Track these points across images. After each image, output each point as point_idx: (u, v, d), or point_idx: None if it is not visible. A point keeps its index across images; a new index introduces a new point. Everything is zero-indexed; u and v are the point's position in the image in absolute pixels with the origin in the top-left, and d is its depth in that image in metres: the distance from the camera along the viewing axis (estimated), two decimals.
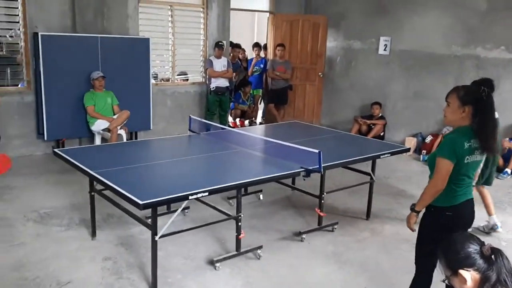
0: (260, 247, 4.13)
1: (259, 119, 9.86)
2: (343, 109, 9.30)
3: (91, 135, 6.85)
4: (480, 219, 4.73)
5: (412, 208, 2.94)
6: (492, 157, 4.49)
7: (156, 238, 3.39)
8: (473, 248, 1.72)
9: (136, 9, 7.36)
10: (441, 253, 1.81)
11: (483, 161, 4.49)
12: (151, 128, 7.57)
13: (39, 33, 6.34)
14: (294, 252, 4.24)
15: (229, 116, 9.04)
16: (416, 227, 3.00)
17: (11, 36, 6.54)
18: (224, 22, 8.36)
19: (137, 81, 7.29)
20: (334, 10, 9.22)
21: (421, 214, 2.97)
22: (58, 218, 4.73)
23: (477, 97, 2.72)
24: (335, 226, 4.72)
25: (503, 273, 1.66)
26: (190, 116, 5.40)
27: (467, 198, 2.89)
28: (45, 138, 6.66)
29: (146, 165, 4.10)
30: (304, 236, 4.47)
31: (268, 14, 9.47)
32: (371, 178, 4.98)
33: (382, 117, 8.37)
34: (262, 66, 9.46)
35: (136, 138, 7.35)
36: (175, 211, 3.67)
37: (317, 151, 3.85)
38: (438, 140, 7.34)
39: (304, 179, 4.03)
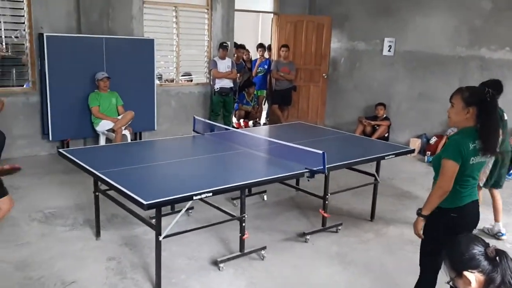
0: (264, 248, 4.13)
1: (263, 120, 9.87)
2: (347, 110, 9.29)
3: (95, 136, 6.88)
4: (486, 220, 4.73)
5: (419, 213, 2.88)
6: (501, 159, 4.48)
7: (160, 238, 3.40)
8: (477, 249, 1.71)
9: (141, 10, 7.39)
10: (445, 255, 1.81)
11: (491, 162, 4.49)
12: (155, 128, 7.59)
13: (44, 34, 6.37)
14: (298, 253, 4.24)
15: (233, 116, 9.05)
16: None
17: (16, 37, 6.57)
18: (229, 23, 8.37)
19: (142, 82, 7.31)
20: (338, 11, 9.21)
21: None
22: (62, 218, 4.75)
23: (482, 98, 2.72)
24: (339, 227, 4.72)
25: (508, 275, 1.65)
26: (194, 117, 5.41)
27: (472, 199, 2.88)
28: (50, 139, 6.69)
29: (150, 166, 4.11)
30: (308, 237, 4.47)
31: (272, 15, 9.48)
32: (376, 179, 4.97)
33: (386, 118, 8.35)
34: (266, 67, 9.46)
35: (140, 138, 7.37)
36: (179, 211, 3.67)
37: (321, 152, 3.85)
38: (443, 141, 7.32)
39: (308, 180, 4.02)
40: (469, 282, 1.68)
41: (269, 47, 9.74)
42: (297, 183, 5.54)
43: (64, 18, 6.74)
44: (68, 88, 6.63)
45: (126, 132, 6.71)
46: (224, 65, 8.07)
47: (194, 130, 5.36)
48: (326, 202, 4.58)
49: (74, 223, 4.67)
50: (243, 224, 3.96)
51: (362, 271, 3.96)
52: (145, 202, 3.05)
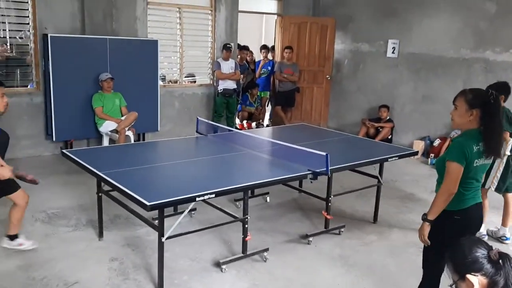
0: (266, 250, 4.13)
1: (266, 121, 9.86)
2: (350, 112, 9.28)
3: (99, 136, 6.89)
4: (489, 222, 4.71)
5: (424, 218, 2.85)
6: None
7: (163, 239, 3.40)
8: (480, 252, 1.70)
9: (145, 11, 7.40)
10: (448, 258, 1.80)
11: (502, 166, 4.46)
12: (159, 129, 7.60)
13: (49, 35, 6.39)
14: (300, 255, 4.23)
15: (236, 118, 9.05)
16: None
17: (21, 38, 6.60)
18: (232, 24, 8.38)
19: (145, 83, 7.33)
20: (342, 13, 9.21)
21: None
22: (65, 219, 4.76)
23: (485, 100, 2.71)
24: (342, 229, 4.71)
25: (511, 277, 1.64)
26: (197, 118, 5.42)
27: (476, 202, 2.87)
28: (54, 139, 6.71)
29: (154, 167, 4.12)
30: (310, 238, 4.46)
31: (276, 16, 9.48)
32: (379, 181, 4.96)
33: (390, 120, 8.34)
34: (269, 68, 9.46)
35: (143, 139, 7.38)
36: (182, 212, 3.68)
37: (324, 153, 3.84)
38: (446, 143, 7.30)
39: (311, 182, 4.01)
40: (472, 285, 1.68)
41: (272, 48, 9.74)
42: (300, 184, 5.53)
43: (68, 19, 6.77)
44: (72, 89, 6.64)
45: (130, 133, 6.72)
46: (228, 66, 8.08)
47: (197, 131, 5.36)
48: (329, 204, 4.57)
49: (77, 223, 4.68)
50: (246, 226, 3.96)
51: (365, 273, 3.95)
52: (148, 203, 3.06)
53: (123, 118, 6.69)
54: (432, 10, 7.78)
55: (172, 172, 4.03)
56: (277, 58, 9.37)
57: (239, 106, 8.99)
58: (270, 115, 9.89)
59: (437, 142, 7.61)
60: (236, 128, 8.40)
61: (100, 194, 4.23)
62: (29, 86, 6.84)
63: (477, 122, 2.73)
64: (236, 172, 4.17)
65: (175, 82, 8.25)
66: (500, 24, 7.02)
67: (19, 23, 6.58)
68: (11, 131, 6.17)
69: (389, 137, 8.24)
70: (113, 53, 6.88)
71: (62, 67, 6.51)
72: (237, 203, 5.22)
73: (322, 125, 9.18)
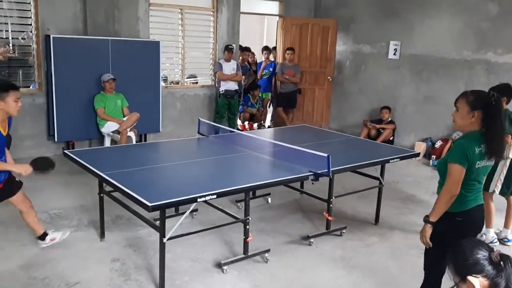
0: (268, 251, 4.13)
1: (268, 122, 9.87)
2: (352, 113, 9.28)
3: (101, 137, 6.90)
4: (493, 225, 4.70)
5: (426, 220, 2.85)
6: None
7: (164, 240, 3.40)
8: (482, 254, 1.70)
9: (147, 12, 7.41)
10: (449, 259, 1.80)
11: (505, 169, 4.45)
12: (160, 130, 7.61)
13: (51, 36, 6.41)
14: (302, 256, 4.23)
15: (238, 119, 9.06)
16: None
17: (23, 38, 6.62)
18: (234, 25, 8.39)
19: (147, 84, 7.34)
20: (344, 14, 9.21)
21: None
22: (67, 219, 4.77)
23: (487, 102, 2.71)
24: (344, 231, 4.70)
25: None
26: (199, 119, 5.42)
27: (477, 203, 2.87)
28: (56, 140, 6.72)
29: (155, 167, 4.12)
30: (312, 240, 4.46)
31: (277, 17, 9.49)
32: (380, 183, 4.95)
33: (391, 122, 8.33)
34: (271, 69, 9.47)
35: (145, 140, 7.39)
36: (183, 213, 3.68)
37: (326, 155, 3.84)
38: (448, 145, 7.29)
39: (312, 183, 4.01)
40: (473, 287, 1.68)
41: (274, 48, 9.75)
42: (302, 186, 5.54)
43: (70, 20, 6.78)
44: (74, 90, 6.66)
45: (131, 134, 6.73)
46: (230, 67, 8.09)
47: (199, 132, 5.36)
48: (331, 205, 4.57)
49: (79, 224, 4.69)
50: (247, 227, 3.96)
51: (366, 275, 3.95)
52: (149, 204, 3.06)
53: (125, 119, 6.70)
54: (433, 11, 7.78)
55: (173, 173, 4.03)
56: (279, 59, 9.38)
57: (240, 107, 9.00)
58: (272, 116, 9.90)
59: (438, 144, 7.60)
60: (238, 129, 8.41)
61: (101, 195, 4.24)
62: (31, 87, 6.86)
63: (479, 124, 2.74)
64: (238, 173, 4.18)
65: (177, 83, 8.26)
66: (502, 25, 7.02)
67: (21, 24, 6.60)
68: (13, 132, 6.20)
69: (391, 138, 8.24)
70: (115, 54, 6.89)
71: (64, 68, 6.52)
72: (239, 204, 5.22)
73: (323, 127, 9.18)
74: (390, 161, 4.66)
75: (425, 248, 2.98)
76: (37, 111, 6.76)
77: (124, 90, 6.89)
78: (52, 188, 5.58)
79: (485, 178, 2.92)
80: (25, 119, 6.67)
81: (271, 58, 9.73)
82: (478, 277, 1.67)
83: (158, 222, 3.54)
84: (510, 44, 6.96)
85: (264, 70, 9.53)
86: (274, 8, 9.49)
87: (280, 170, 4.14)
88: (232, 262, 3.95)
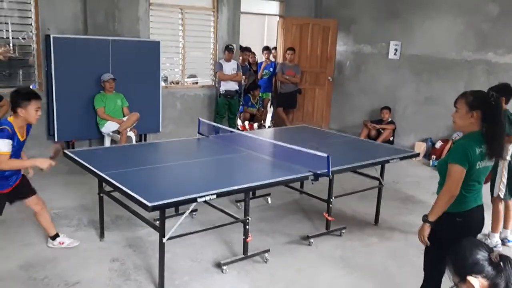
0: (267, 251, 4.13)
1: (268, 122, 9.87)
2: (352, 114, 9.28)
3: (101, 137, 6.90)
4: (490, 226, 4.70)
5: (425, 219, 2.85)
6: None
7: (164, 240, 3.40)
8: (481, 254, 1.70)
9: (147, 12, 7.41)
10: (449, 259, 1.80)
11: (505, 171, 4.43)
12: (160, 130, 7.60)
13: (51, 35, 6.41)
14: (301, 256, 4.23)
15: (238, 119, 9.06)
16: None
17: (23, 38, 6.62)
18: (234, 25, 8.39)
19: (147, 84, 7.33)
20: (345, 14, 9.21)
21: None
22: (67, 219, 4.77)
23: (485, 102, 2.71)
24: (343, 231, 4.70)
25: None
26: (199, 119, 5.42)
27: (477, 204, 2.87)
28: (56, 139, 6.71)
29: (155, 167, 4.12)
30: (312, 240, 4.46)
31: (278, 17, 9.49)
32: (380, 183, 4.95)
33: (391, 122, 8.33)
34: (271, 69, 9.47)
35: (145, 140, 7.38)
36: (183, 213, 3.68)
37: (325, 155, 3.84)
38: (448, 145, 7.29)
39: (312, 183, 4.01)
40: (473, 287, 1.67)
41: (274, 48, 9.75)
42: (301, 186, 5.54)
43: (70, 19, 6.78)
44: (74, 89, 6.65)
45: (131, 134, 6.72)
46: (230, 67, 8.08)
47: (199, 132, 5.36)
48: (330, 205, 4.57)
49: (79, 224, 4.69)
50: (247, 227, 3.96)
51: (366, 275, 3.95)
52: (149, 204, 3.06)
53: (125, 118, 6.70)
54: (434, 12, 7.78)
55: (173, 173, 4.03)
56: (279, 60, 9.38)
57: (241, 107, 9.00)
58: (272, 116, 9.90)
59: (439, 144, 7.60)
60: (238, 129, 8.41)
61: (101, 195, 4.24)
62: (31, 87, 6.84)
63: (479, 124, 2.73)
64: (238, 173, 4.17)
65: (177, 83, 8.26)
66: (502, 26, 7.01)
67: (21, 24, 6.59)
68: None
69: (391, 138, 8.24)
70: (115, 54, 6.89)
71: (64, 68, 6.52)
72: (238, 204, 5.22)
73: (323, 127, 9.18)
74: (390, 161, 4.66)
75: (425, 248, 2.98)
76: None
77: (124, 90, 6.89)
78: (52, 188, 5.58)
79: (485, 178, 2.92)
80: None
81: (272, 58, 9.73)
82: (477, 278, 1.67)
83: (157, 222, 3.54)
84: (511, 45, 6.96)
85: (265, 70, 9.53)
86: (275, 8, 9.49)
87: (280, 170, 4.13)
88: (231, 262, 3.95)
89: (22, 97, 3.62)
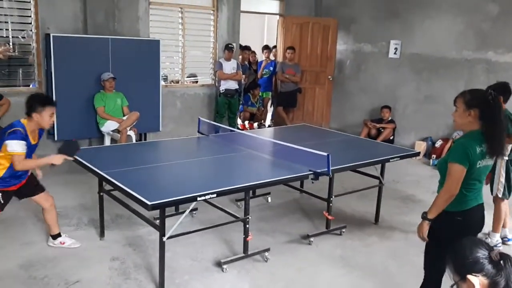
0: (267, 250, 4.13)
1: (268, 121, 9.86)
2: (352, 113, 9.28)
3: (100, 136, 6.89)
4: (490, 225, 4.69)
5: (424, 216, 2.86)
6: None
7: (164, 239, 3.40)
8: (481, 253, 1.70)
9: (147, 11, 7.41)
10: (449, 258, 1.80)
11: (503, 170, 4.43)
12: (160, 129, 7.60)
13: (51, 34, 6.40)
14: (301, 255, 4.23)
15: (238, 118, 9.05)
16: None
17: (23, 37, 6.61)
18: (234, 24, 8.38)
19: (147, 83, 7.32)
20: (345, 13, 9.21)
21: None
22: (67, 218, 4.77)
23: (483, 100, 2.71)
24: (343, 230, 4.70)
25: None
26: (199, 118, 5.42)
27: (478, 203, 2.87)
28: (55, 138, 6.71)
29: (155, 166, 4.12)
30: (312, 239, 4.46)
31: (278, 16, 9.48)
32: (380, 182, 4.95)
33: (391, 121, 8.33)
34: (271, 68, 9.47)
35: (145, 139, 7.38)
36: (183, 212, 3.68)
37: (326, 154, 3.84)
38: (448, 144, 7.29)
39: (312, 182, 4.01)
40: (473, 286, 1.67)
41: (274, 47, 9.75)
42: (301, 185, 5.54)
43: (70, 18, 6.77)
44: (74, 89, 6.65)
45: (131, 133, 6.72)
46: (230, 66, 8.08)
47: (199, 132, 5.36)
48: (330, 204, 4.57)
49: (79, 223, 4.69)
50: (247, 226, 3.96)
51: (366, 274, 3.95)
52: (149, 203, 3.07)
53: (124, 118, 6.70)
54: (434, 11, 7.78)
55: (173, 172, 4.03)
56: (279, 59, 9.37)
57: (241, 106, 9.00)
58: (272, 115, 9.89)
59: (439, 143, 7.60)
60: (238, 128, 8.40)
61: (101, 194, 4.24)
62: (31, 86, 6.85)
63: (478, 123, 2.73)
64: (238, 172, 4.17)
65: (177, 82, 8.26)
66: (502, 25, 7.01)
67: (21, 23, 6.58)
68: None
69: (391, 138, 8.24)
70: (115, 53, 6.88)
71: (64, 67, 6.51)
72: (239, 203, 5.22)
73: (324, 126, 9.18)
74: (390, 160, 4.66)
75: (425, 247, 2.98)
76: None
77: (124, 89, 6.88)
78: (52, 187, 5.53)
79: (485, 177, 2.92)
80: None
81: (272, 57, 9.73)
82: (478, 276, 1.67)
83: (158, 221, 3.54)
84: (511, 44, 6.96)
85: (265, 69, 9.53)
86: (275, 7, 9.48)
87: (280, 169, 4.14)
88: (232, 261, 3.95)
89: (38, 102, 3.71)
